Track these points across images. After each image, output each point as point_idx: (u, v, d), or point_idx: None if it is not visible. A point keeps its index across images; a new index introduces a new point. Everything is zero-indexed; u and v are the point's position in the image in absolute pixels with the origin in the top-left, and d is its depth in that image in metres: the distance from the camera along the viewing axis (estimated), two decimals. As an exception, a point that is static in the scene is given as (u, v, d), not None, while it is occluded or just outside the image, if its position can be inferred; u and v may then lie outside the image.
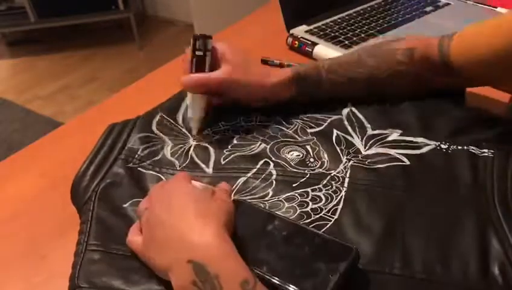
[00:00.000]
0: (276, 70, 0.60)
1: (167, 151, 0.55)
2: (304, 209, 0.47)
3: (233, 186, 0.50)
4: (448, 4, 0.94)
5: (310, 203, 0.48)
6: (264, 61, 0.78)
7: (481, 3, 0.95)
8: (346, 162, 0.53)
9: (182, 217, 0.39)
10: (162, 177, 0.52)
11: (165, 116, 0.61)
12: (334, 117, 0.59)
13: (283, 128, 0.58)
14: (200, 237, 0.37)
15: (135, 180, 0.51)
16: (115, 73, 2.45)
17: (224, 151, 0.55)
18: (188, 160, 0.54)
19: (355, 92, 0.61)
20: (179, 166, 0.53)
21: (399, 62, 0.59)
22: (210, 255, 0.36)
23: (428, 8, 0.92)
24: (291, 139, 0.56)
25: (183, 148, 0.56)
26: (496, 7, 0.92)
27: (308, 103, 0.61)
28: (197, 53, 0.55)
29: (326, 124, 0.59)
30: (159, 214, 0.40)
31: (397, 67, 0.59)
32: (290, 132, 0.58)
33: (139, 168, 0.53)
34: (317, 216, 0.46)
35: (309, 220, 0.46)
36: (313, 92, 0.60)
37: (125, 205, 0.49)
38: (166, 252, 0.38)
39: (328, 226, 0.45)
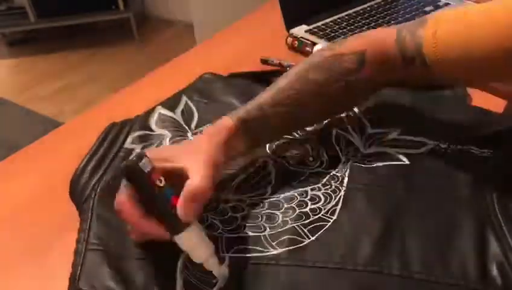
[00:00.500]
0: (213, 129, 0.49)
1: (166, 143, 0.55)
2: (303, 210, 0.47)
3: (232, 183, 0.50)
4: (448, 4, 0.94)
5: (309, 203, 0.48)
6: (264, 61, 0.78)
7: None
8: (345, 161, 0.53)
9: None
10: None
11: (164, 113, 0.61)
12: (334, 117, 0.60)
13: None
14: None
15: None
16: (115, 73, 2.45)
17: None
18: None
19: (309, 118, 0.55)
20: None
21: (348, 71, 0.50)
22: None
23: (428, 8, 0.92)
24: (290, 137, 0.56)
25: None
26: (496, 7, 0.92)
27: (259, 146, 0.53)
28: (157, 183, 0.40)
29: (326, 123, 0.59)
30: None
31: (347, 77, 0.51)
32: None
33: None
34: (316, 217, 0.46)
35: (308, 220, 0.46)
36: (264, 134, 0.52)
37: None
38: None
39: (327, 227, 0.45)
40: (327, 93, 0.51)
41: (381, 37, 0.51)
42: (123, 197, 0.41)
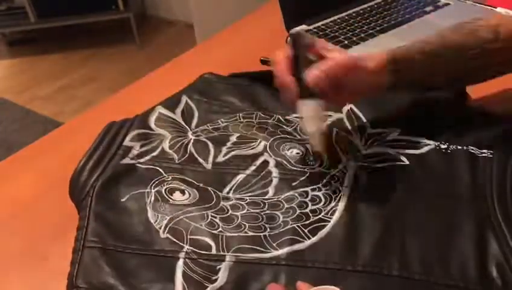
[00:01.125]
0: (369, 55, 0.54)
1: (165, 145, 0.55)
2: (303, 211, 0.47)
3: (232, 183, 0.50)
4: (448, 4, 0.94)
5: (309, 204, 0.48)
6: (264, 62, 0.78)
7: (481, 3, 0.95)
8: (345, 161, 0.53)
9: None
10: (160, 170, 0.52)
11: (164, 113, 0.61)
12: (334, 116, 0.60)
13: (283, 126, 0.58)
14: None
15: (133, 175, 0.51)
16: (114, 73, 2.45)
17: (224, 148, 0.55)
18: (187, 155, 0.54)
19: (446, 73, 0.57)
20: (178, 160, 0.53)
21: (485, 40, 0.55)
22: None
23: (428, 8, 0.92)
24: (290, 136, 0.56)
25: (182, 142, 0.56)
26: (496, 7, 0.92)
27: (403, 90, 0.57)
28: (308, 55, 0.49)
29: (326, 123, 0.59)
30: None
31: (484, 45, 0.55)
32: (290, 129, 0.58)
33: (137, 164, 0.53)
34: (316, 218, 0.46)
35: (308, 221, 0.46)
36: (409, 75, 0.55)
37: (123, 199, 0.49)
38: None
39: (327, 227, 0.45)
40: (465, 55, 0.55)
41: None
42: (282, 54, 0.49)
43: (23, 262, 0.47)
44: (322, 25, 0.86)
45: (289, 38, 0.49)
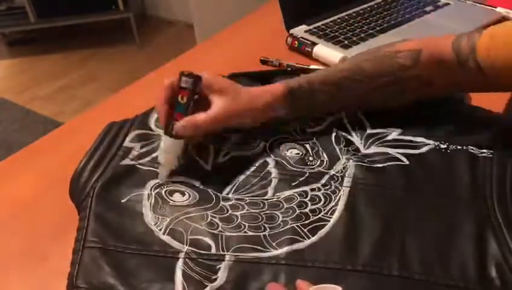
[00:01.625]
0: (267, 88, 0.56)
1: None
2: (303, 210, 0.47)
3: (232, 184, 0.50)
4: (447, 4, 0.94)
5: (309, 203, 0.48)
6: (264, 62, 0.78)
7: (481, 3, 0.95)
8: (345, 161, 0.53)
9: None
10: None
11: None
12: (334, 116, 0.59)
13: (283, 126, 0.58)
14: None
15: (133, 176, 0.51)
16: (114, 73, 2.45)
17: (224, 149, 0.55)
18: (187, 156, 0.54)
19: (353, 103, 0.58)
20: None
21: (400, 66, 0.54)
22: None
23: (428, 8, 0.92)
24: (290, 137, 0.57)
25: None
26: (496, 7, 0.92)
27: (301, 116, 0.58)
28: (183, 99, 0.51)
29: (326, 123, 0.59)
30: None
31: (398, 72, 0.54)
32: (289, 130, 0.58)
33: (137, 165, 0.53)
34: (316, 217, 0.46)
35: (308, 221, 0.46)
36: (306, 107, 0.56)
37: (123, 200, 0.49)
38: None
39: (326, 227, 0.45)
40: (376, 83, 0.55)
41: (438, 40, 0.54)
42: (167, 83, 0.52)
43: (23, 262, 0.47)
44: (322, 25, 0.86)
45: (183, 77, 0.51)
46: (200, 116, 0.51)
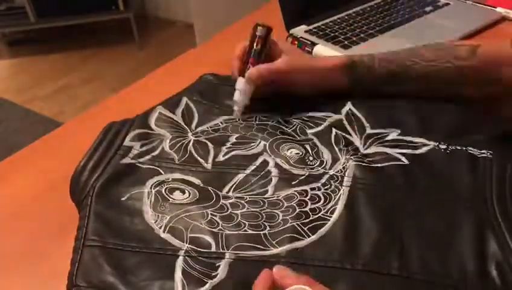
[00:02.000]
0: (330, 57, 0.62)
1: (166, 145, 0.55)
2: (302, 209, 0.47)
3: (232, 183, 0.51)
4: (447, 4, 0.94)
5: (309, 202, 0.48)
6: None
7: (480, 3, 0.95)
8: (345, 161, 0.53)
9: None
10: (160, 171, 0.52)
11: (164, 113, 0.61)
12: (333, 117, 0.60)
13: (282, 127, 0.59)
14: None
15: (133, 175, 0.51)
16: (114, 73, 2.45)
17: (224, 148, 0.55)
18: (187, 155, 0.54)
19: (409, 84, 0.59)
20: (178, 160, 0.54)
21: (458, 56, 0.55)
22: None
23: (428, 8, 0.92)
24: (290, 137, 0.57)
25: (182, 142, 0.56)
26: (496, 7, 0.92)
27: (361, 95, 0.60)
28: (257, 45, 0.61)
29: (325, 124, 0.59)
30: None
31: (456, 61, 0.55)
32: (289, 130, 0.58)
33: (137, 164, 0.53)
34: (316, 216, 0.46)
35: (308, 219, 0.46)
36: (366, 81, 0.59)
37: (123, 199, 0.49)
38: None
39: (326, 226, 0.45)
40: (434, 68, 0.57)
41: (497, 41, 0.57)
42: (241, 44, 0.63)
43: (23, 262, 0.47)
44: (322, 24, 0.86)
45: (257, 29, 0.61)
46: (264, 66, 0.59)
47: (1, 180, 0.58)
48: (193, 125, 0.59)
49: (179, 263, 0.42)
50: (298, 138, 0.57)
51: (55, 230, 0.50)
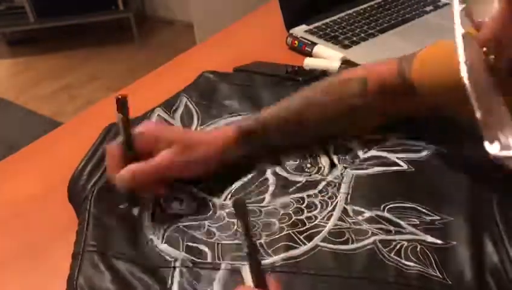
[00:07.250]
0: (217, 132, 0.53)
1: None
2: (299, 217, 0.47)
3: (230, 190, 0.50)
4: (448, 4, 0.94)
5: (305, 210, 0.47)
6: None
7: (481, 3, 0.95)
8: (342, 167, 0.52)
9: None
10: None
11: (163, 116, 0.61)
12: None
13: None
14: None
15: None
16: (114, 73, 2.44)
17: None
18: None
19: (309, 139, 0.55)
20: None
21: (351, 95, 0.52)
22: None
23: (428, 8, 0.92)
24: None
25: None
26: (496, 7, 0.92)
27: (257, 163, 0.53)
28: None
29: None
30: None
31: (350, 100, 0.52)
32: None
33: None
34: (312, 224, 0.46)
35: (304, 228, 0.46)
36: (262, 149, 0.53)
37: (121, 206, 0.49)
38: None
39: (322, 233, 0.45)
40: (330, 115, 0.53)
41: (383, 65, 0.53)
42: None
43: (22, 262, 0.47)
44: (322, 24, 0.86)
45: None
46: (138, 166, 0.46)
47: (1, 180, 0.58)
48: (192, 128, 0.59)
49: (176, 274, 0.42)
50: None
51: (55, 230, 0.50)
